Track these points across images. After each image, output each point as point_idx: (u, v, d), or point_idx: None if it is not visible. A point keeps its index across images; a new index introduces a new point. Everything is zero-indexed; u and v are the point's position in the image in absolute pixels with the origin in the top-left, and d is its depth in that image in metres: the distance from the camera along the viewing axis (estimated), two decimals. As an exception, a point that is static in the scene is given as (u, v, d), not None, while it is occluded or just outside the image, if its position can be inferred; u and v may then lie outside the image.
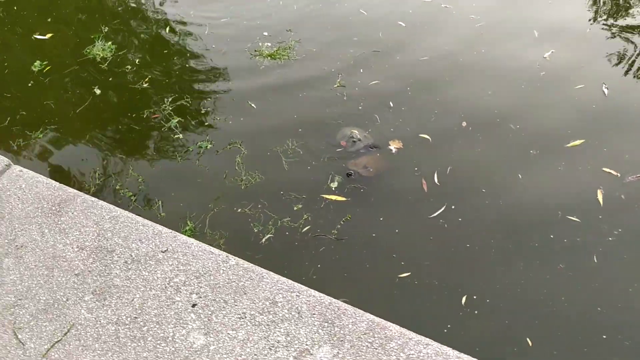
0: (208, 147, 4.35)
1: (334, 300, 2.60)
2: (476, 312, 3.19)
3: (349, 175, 3.96)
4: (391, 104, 4.68)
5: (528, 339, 3.04)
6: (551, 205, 3.76)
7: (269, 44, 5.54)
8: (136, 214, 3.56)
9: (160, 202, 3.94)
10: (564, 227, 3.61)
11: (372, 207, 3.80)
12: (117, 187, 4.06)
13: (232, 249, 3.60)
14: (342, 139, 4.23)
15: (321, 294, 2.69)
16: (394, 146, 4.23)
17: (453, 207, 3.77)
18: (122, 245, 2.84)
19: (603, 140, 4.22)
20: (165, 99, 4.90)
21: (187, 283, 2.65)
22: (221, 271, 2.71)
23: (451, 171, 4.03)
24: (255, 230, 3.72)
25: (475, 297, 3.26)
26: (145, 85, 5.09)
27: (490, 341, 3.06)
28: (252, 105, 4.75)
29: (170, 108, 4.78)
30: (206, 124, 4.59)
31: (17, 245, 2.84)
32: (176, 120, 4.63)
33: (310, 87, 4.90)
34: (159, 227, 3.05)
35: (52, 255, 2.80)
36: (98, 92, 5.04)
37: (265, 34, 5.73)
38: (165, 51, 5.59)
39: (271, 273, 2.79)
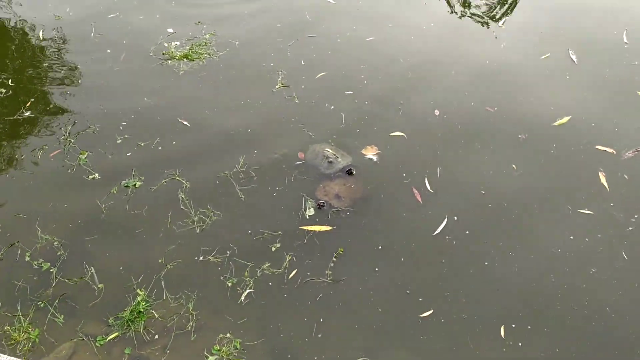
0: (137, 185, 3.65)
1: None
2: (520, 344, 2.90)
3: (321, 206, 3.49)
4: (351, 95, 4.24)
5: (587, 367, 2.81)
6: (558, 198, 3.56)
7: (178, 43, 4.83)
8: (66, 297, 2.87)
9: (92, 270, 3.22)
10: (579, 223, 3.42)
11: (365, 234, 3.37)
12: (27, 259, 3.26)
13: (206, 316, 3.02)
14: (314, 159, 3.73)
15: None
16: (371, 154, 3.81)
17: (455, 217, 3.45)
18: None
19: (589, 114, 4.10)
20: (62, 129, 4.07)
21: None
22: None
23: (442, 172, 3.70)
24: (229, 285, 3.14)
25: (514, 325, 2.97)
26: (27, 113, 4.21)
27: (547, 377, 2.79)
28: (184, 122, 4.08)
29: (73, 140, 3.98)
30: (127, 154, 3.86)
31: None
32: (85, 156, 3.85)
33: (250, 91, 4.32)
34: None
35: None
36: (-34, 129, 4.09)
37: (170, 30, 5.00)
38: (45, 64, 4.69)
39: None
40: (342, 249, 3.27)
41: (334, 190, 3.55)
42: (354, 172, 3.62)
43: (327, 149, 3.74)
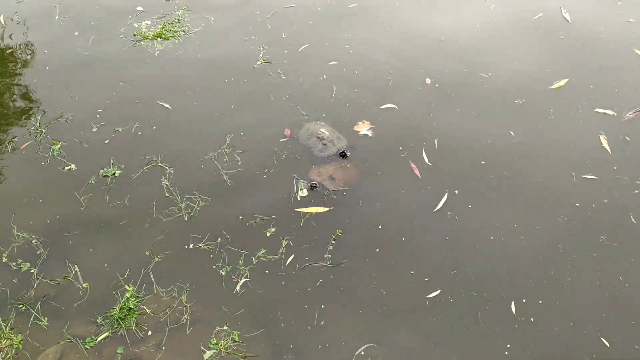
0: (117, 174, 3.47)
1: None
2: (532, 319, 2.82)
3: (313, 187, 3.34)
4: (337, 67, 4.08)
5: (603, 339, 2.73)
6: (560, 164, 3.46)
7: (149, 22, 4.60)
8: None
9: (76, 268, 3.05)
10: (584, 189, 3.33)
11: (363, 214, 3.25)
12: (4, 260, 3.09)
13: (201, 308, 2.88)
14: (308, 139, 3.58)
15: None
16: (364, 129, 3.67)
17: (456, 191, 3.33)
18: None
19: (586, 75, 3.99)
20: (32, 119, 3.86)
21: None
22: None
23: (439, 144, 3.58)
24: (223, 274, 3.00)
25: (524, 300, 2.88)
26: (-6, 102, 3.98)
27: (562, 352, 2.71)
28: (165, 105, 3.89)
29: (44, 131, 3.77)
30: (105, 142, 3.67)
31: None
32: (58, 146, 3.65)
33: (232, 68, 4.13)
34: None
35: None
36: None
37: (140, 9, 4.76)
38: (7, 51, 4.44)
39: None
40: (340, 231, 3.14)
41: (327, 172, 3.41)
42: (349, 154, 3.48)
43: (322, 130, 3.59)
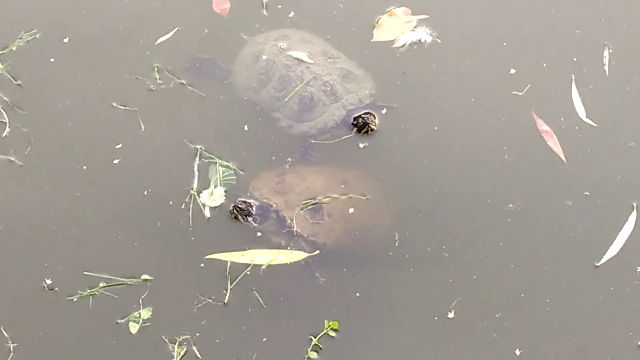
0: None
1: None
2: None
3: (244, 213, 1.32)
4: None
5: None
6: None
7: None
8: None
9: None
10: None
11: (407, 275, 1.23)
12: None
13: None
14: (263, 82, 1.35)
15: None
16: (405, 31, 1.47)
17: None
18: None
19: None
20: None
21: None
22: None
23: (615, 57, 1.47)
24: None
25: None
26: None
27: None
28: None
29: None
30: None
31: None
32: None
33: None
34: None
35: None
36: None
37: None
38: None
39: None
40: (334, 324, 1.11)
41: (305, 185, 1.33)
42: (373, 126, 1.39)
43: (293, 53, 1.37)
